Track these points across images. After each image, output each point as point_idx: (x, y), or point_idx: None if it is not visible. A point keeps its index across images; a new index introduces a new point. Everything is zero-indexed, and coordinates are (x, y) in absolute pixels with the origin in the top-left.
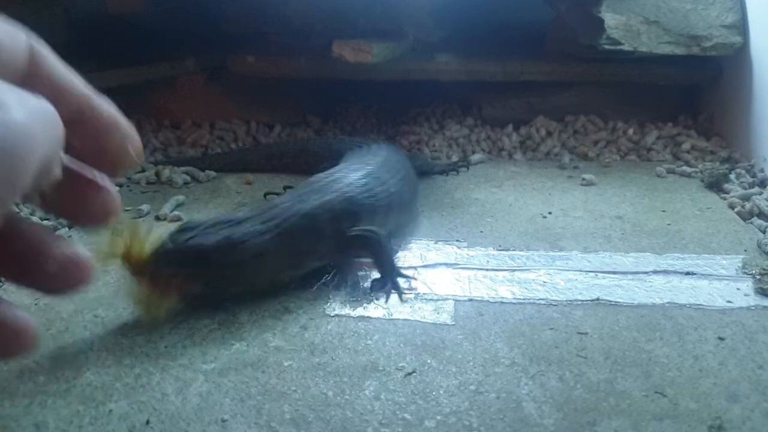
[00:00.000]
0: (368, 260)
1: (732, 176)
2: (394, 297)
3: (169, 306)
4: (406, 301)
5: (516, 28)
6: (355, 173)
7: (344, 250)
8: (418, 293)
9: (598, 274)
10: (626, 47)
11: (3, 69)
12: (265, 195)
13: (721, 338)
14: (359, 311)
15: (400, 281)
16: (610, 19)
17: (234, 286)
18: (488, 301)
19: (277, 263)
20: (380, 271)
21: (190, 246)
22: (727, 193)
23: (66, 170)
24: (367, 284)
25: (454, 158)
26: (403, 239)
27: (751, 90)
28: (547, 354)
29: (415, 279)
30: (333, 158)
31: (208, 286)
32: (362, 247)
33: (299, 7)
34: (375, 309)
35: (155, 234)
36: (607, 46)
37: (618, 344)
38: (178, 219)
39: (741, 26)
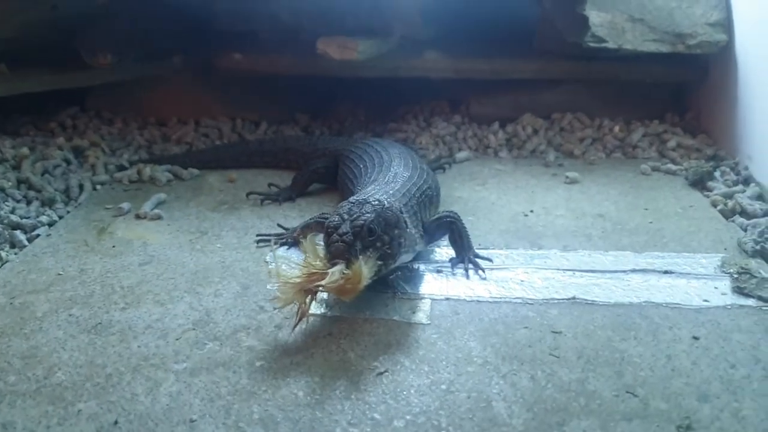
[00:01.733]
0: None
1: (717, 174)
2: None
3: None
4: (485, 279)
5: (505, 27)
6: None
7: (431, 233)
8: (404, 292)
9: (576, 272)
10: (611, 45)
11: None
12: (248, 194)
13: (695, 337)
14: (335, 311)
15: (479, 261)
16: (595, 16)
17: (393, 255)
18: (464, 299)
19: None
20: (459, 250)
21: (357, 225)
22: (711, 191)
23: None
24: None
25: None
26: None
27: (736, 88)
28: (520, 353)
29: (491, 261)
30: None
31: (382, 261)
32: (446, 228)
33: (287, 5)
34: (349, 308)
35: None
36: (591, 44)
37: (592, 343)
38: (159, 217)
39: (726, 24)
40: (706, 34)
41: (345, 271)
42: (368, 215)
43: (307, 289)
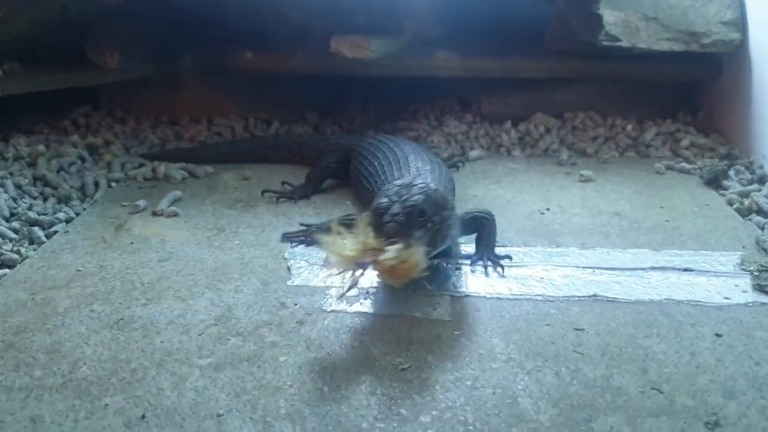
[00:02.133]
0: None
1: (731, 173)
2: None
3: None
4: (504, 276)
5: (515, 25)
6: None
7: (465, 226)
8: (424, 288)
9: (596, 270)
10: (624, 43)
11: None
12: (263, 192)
13: (718, 335)
14: (356, 307)
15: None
16: (609, 15)
17: (443, 237)
18: (485, 297)
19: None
20: (480, 247)
21: (408, 205)
22: (726, 189)
23: None
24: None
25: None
26: None
27: (750, 87)
28: (543, 350)
29: (510, 258)
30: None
31: (431, 243)
32: (479, 225)
33: (298, 3)
34: (371, 304)
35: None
36: (605, 43)
37: (615, 340)
38: (175, 214)
39: (740, 23)
40: (720, 33)
41: (402, 251)
42: (418, 196)
43: (359, 263)
